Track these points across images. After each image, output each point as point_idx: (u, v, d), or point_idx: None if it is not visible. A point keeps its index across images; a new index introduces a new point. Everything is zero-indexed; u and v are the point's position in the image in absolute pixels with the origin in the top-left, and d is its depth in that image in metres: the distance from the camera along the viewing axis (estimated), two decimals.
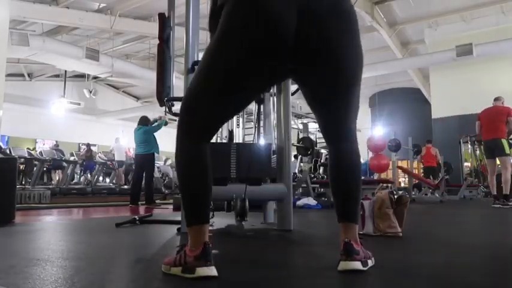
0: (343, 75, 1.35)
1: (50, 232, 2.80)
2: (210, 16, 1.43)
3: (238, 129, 4.06)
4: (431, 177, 9.94)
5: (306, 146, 6.76)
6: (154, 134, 6.80)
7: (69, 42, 11.82)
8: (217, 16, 1.33)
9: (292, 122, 4.05)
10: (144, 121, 6.89)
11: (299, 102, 9.12)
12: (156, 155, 6.93)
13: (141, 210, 5.70)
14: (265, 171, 2.81)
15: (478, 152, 10.95)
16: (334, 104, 1.40)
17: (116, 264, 1.59)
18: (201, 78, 1.36)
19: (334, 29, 1.30)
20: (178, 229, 2.63)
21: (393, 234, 2.33)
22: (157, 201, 6.95)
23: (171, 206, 5.97)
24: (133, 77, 13.76)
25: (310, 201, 5.74)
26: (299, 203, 5.65)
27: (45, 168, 10.60)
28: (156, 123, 6.90)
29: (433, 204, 6.88)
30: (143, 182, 6.74)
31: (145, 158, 6.65)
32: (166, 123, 6.87)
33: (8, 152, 8.72)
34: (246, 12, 1.27)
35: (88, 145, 12.26)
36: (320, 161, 8.36)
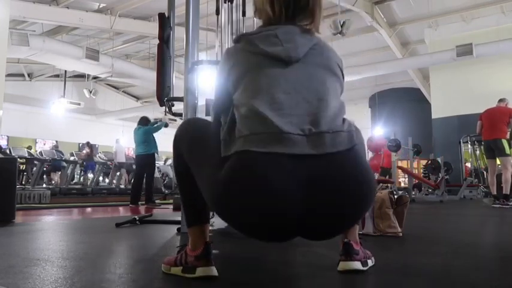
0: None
1: (50, 232, 2.79)
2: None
3: None
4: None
5: None
6: (154, 134, 6.82)
7: (69, 42, 11.82)
8: None
9: None
10: (144, 121, 6.93)
11: None
12: (156, 155, 6.95)
13: (141, 210, 5.70)
14: None
15: (478, 152, 10.95)
16: None
17: (116, 264, 1.58)
18: None
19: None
20: (178, 229, 2.63)
21: (393, 234, 2.33)
22: (157, 201, 6.95)
23: (171, 206, 5.97)
24: (133, 77, 13.76)
25: None
26: None
27: (44, 169, 10.58)
28: (156, 125, 6.91)
29: (433, 204, 6.88)
30: (144, 181, 6.74)
31: (146, 158, 6.67)
32: (166, 125, 6.86)
33: (8, 152, 8.73)
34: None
35: (88, 144, 12.21)
36: None
